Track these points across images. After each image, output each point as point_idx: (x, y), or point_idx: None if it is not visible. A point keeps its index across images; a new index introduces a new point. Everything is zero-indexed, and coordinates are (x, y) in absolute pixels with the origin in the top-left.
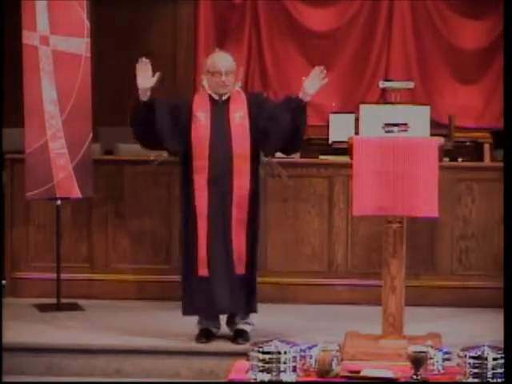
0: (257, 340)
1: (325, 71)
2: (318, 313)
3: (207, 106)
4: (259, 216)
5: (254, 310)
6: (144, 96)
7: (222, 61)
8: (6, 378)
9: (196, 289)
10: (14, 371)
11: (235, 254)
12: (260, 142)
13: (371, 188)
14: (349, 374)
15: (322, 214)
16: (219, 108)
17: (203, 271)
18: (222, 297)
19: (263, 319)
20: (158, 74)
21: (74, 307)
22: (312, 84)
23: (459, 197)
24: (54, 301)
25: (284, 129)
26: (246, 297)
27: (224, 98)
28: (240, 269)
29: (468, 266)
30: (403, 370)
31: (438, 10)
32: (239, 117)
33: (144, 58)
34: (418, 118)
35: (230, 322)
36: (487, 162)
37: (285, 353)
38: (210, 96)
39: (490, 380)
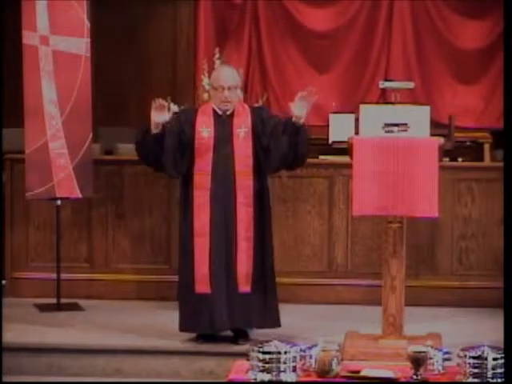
0: (257, 340)
1: (312, 91)
2: (318, 313)
3: (211, 120)
4: (269, 232)
5: (275, 326)
6: (155, 129)
7: (225, 76)
8: (6, 378)
9: (194, 306)
10: (14, 371)
11: (239, 272)
12: (261, 159)
13: (371, 188)
14: (349, 374)
15: (322, 214)
16: (223, 123)
17: (203, 288)
18: (220, 315)
19: None
20: (172, 111)
21: (74, 307)
22: (298, 107)
23: (459, 197)
24: (54, 301)
25: (284, 149)
26: (260, 314)
27: (228, 112)
28: (245, 287)
29: (468, 266)
30: (403, 369)
31: (438, 10)
32: (243, 132)
33: (161, 100)
34: (417, 118)
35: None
36: (487, 162)
37: (285, 353)
38: (214, 110)
39: (490, 380)
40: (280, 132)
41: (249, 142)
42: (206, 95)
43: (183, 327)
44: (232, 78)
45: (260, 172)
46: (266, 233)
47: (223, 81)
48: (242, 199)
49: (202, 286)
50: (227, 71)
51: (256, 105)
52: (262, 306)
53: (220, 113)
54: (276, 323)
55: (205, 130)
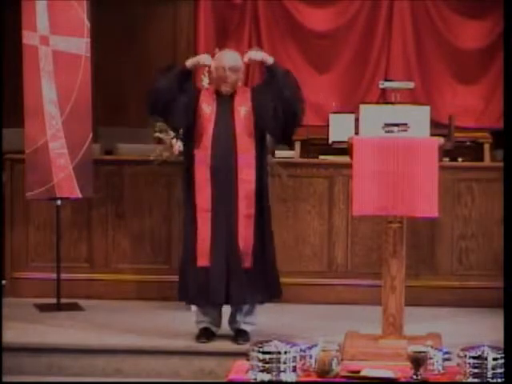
0: (257, 340)
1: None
2: (318, 313)
3: (213, 99)
4: (268, 209)
5: (276, 297)
6: (191, 66)
7: (227, 58)
8: (5, 378)
9: (194, 279)
10: (13, 371)
11: (241, 248)
12: (266, 129)
13: (371, 188)
14: (349, 374)
15: (322, 214)
16: (224, 102)
17: (204, 262)
18: (218, 289)
19: (263, 319)
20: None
21: (74, 307)
22: (255, 55)
23: (459, 197)
24: (54, 301)
25: (271, 104)
26: (257, 290)
27: (229, 93)
28: (246, 263)
29: (468, 266)
30: (403, 369)
31: (438, 10)
32: (244, 110)
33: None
34: (417, 118)
35: (232, 321)
36: (487, 162)
37: (285, 353)
38: (216, 91)
39: (490, 380)
40: (264, 90)
41: (250, 120)
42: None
43: (183, 297)
44: (234, 61)
45: (261, 150)
46: (265, 209)
47: (225, 61)
48: (243, 176)
49: (204, 259)
50: (230, 54)
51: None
52: (262, 281)
53: (221, 93)
54: (277, 295)
55: (207, 108)
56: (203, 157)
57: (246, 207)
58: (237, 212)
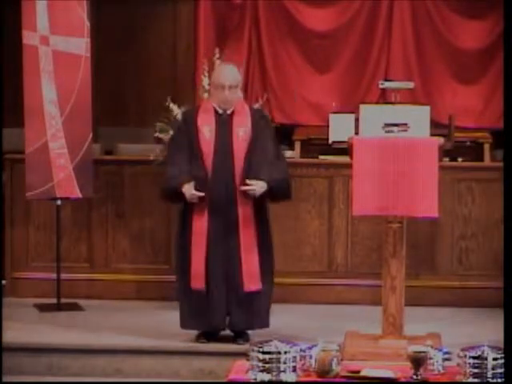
0: (257, 340)
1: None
2: (318, 313)
3: (212, 118)
4: (268, 232)
5: (263, 326)
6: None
7: (226, 74)
8: (5, 378)
9: (193, 304)
10: (14, 371)
11: (244, 271)
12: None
13: (371, 188)
14: (349, 374)
15: (322, 214)
16: (223, 122)
17: (198, 285)
18: (219, 314)
19: None
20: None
21: (74, 307)
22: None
23: (459, 197)
24: (54, 301)
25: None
26: (253, 313)
27: (228, 112)
28: (255, 285)
29: (468, 266)
30: (403, 369)
31: (438, 10)
32: (242, 132)
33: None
34: (418, 118)
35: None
36: (487, 162)
37: (285, 353)
38: (215, 109)
39: (490, 380)
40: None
41: (247, 141)
42: (206, 95)
43: (184, 325)
44: (233, 77)
45: None
46: (265, 232)
47: (224, 80)
48: (242, 197)
49: (198, 282)
50: (228, 70)
51: (255, 106)
52: (260, 307)
53: (220, 112)
54: (264, 323)
55: (206, 130)
56: (203, 179)
57: (246, 228)
58: (237, 234)
